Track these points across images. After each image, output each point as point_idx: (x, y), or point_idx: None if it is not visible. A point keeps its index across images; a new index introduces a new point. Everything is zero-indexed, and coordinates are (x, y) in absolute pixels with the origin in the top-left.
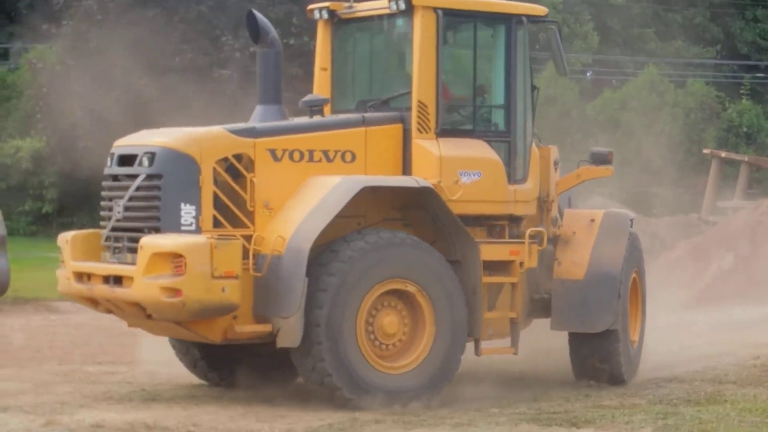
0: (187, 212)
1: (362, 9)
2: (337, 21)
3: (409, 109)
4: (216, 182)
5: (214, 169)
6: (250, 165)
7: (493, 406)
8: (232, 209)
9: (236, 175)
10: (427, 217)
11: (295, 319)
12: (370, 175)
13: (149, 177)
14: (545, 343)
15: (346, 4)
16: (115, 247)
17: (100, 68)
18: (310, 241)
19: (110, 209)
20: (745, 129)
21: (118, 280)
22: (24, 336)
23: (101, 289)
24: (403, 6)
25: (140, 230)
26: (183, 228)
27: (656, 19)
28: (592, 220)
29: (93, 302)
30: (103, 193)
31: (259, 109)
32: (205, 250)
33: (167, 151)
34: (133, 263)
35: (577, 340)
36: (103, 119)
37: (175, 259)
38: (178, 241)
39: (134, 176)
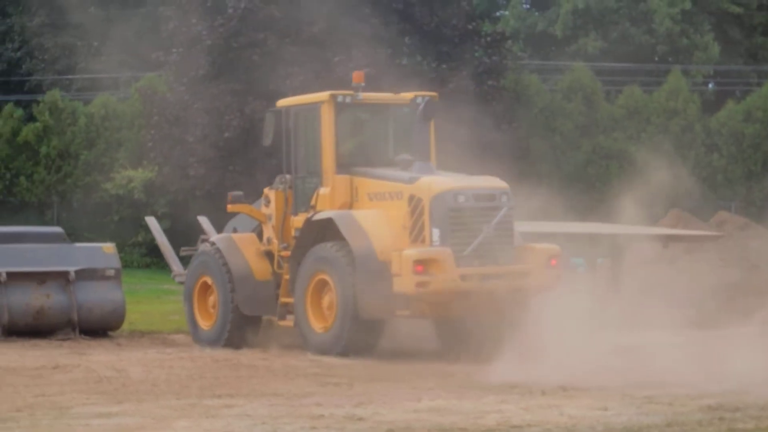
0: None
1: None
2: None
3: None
4: None
5: None
6: None
7: None
8: None
9: None
10: None
11: None
12: None
13: (509, 209)
14: None
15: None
16: (484, 255)
17: (211, 94)
18: None
19: (464, 229)
20: None
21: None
22: (141, 369)
23: (497, 283)
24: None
25: (494, 244)
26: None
27: None
28: None
29: (469, 293)
30: (458, 219)
31: (418, 164)
32: None
33: (510, 191)
34: (507, 264)
35: None
36: (215, 145)
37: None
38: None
39: (496, 208)
